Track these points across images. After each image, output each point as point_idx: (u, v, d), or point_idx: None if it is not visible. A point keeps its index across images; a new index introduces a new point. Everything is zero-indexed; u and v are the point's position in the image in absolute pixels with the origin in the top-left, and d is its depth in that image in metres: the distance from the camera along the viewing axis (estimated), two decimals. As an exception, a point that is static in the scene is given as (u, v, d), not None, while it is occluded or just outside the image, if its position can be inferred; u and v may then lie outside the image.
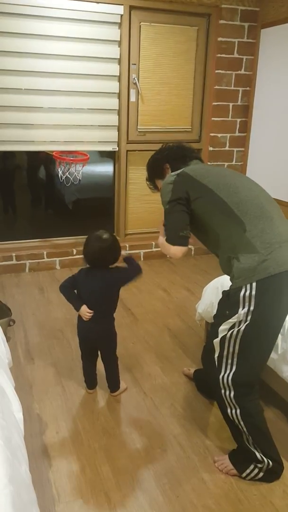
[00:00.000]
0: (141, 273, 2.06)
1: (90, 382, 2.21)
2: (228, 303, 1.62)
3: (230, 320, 1.60)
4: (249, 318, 1.56)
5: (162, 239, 1.78)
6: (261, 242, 1.55)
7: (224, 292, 1.69)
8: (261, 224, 1.57)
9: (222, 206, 1.61)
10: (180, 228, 1.67)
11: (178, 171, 1.74)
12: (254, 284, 1.54)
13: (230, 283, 1.65)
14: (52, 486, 1.68)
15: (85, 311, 2.01)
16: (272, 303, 1.56)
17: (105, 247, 1.95)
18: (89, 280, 2.01)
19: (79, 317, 2.07)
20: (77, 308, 2.03)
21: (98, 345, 2.14)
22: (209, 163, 4.07)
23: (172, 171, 1.83)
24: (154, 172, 1.94)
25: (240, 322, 1.58)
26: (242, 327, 1.57)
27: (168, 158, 1.88)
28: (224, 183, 1.66)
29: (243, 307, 1.56)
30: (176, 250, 1.69)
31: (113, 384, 2.19)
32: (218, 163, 4.11)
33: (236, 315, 1.58)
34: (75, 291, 2.07)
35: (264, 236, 1.56)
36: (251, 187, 1.69)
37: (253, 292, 1.54)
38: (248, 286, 1.54)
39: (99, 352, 2.18)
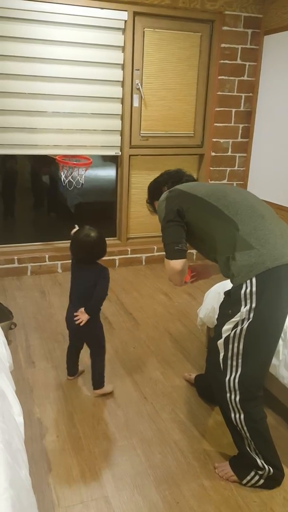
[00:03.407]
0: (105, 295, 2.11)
1: (71, 370, 2.32)
2: (230, 302, 1.64)
3: (233, 319, 1.61)
4: (251, 315, 1.57)
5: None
6: (255, 238, 1.59)
7: (225, 292, 1.72)
8: (252, 222, 1.62)
9: (213, 210, 1.68)
10: (175, 242, 1.74)
11: (171, 189, 1.85)
12: (254, 280, 1.56)
13: (231, 286, 1.67)
14: (52, 490, 1.67)
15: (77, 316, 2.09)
16: (273, 298, 1.57)
17: (91, 241, 2.03)
18: (79, 273, 2.10)
19: (68, 308, 2.16)
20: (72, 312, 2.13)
21: (83, 337, 2.20)
22: (210, 168, 4.08)
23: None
24: (153, 194, 2.02)
25: (243, 321, 1.59)
26: (245, 325, 1.58)
27: (167, 181, 1.96)
28: (212, 190, 1.75)
29: (245, 305, 1.58)
30: (175, 264, 1.74)
31: (97, 381, 2.20)
32: (221, 168, 4.12)
33: (239, 313, 1.59)
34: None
35: (258, 233, 1.60)
36: (240, 192, 1.77)
37: (254, 289, 1.56)
38: (248, 282, 1.57)
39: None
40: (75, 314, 2.08)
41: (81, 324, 2.05)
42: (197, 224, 1.74)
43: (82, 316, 2.06)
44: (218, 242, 1.68)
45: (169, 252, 1.76)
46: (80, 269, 2.10)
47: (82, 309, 2.06)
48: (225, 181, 4.17)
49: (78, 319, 2.06)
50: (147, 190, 2.07)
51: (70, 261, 2.16)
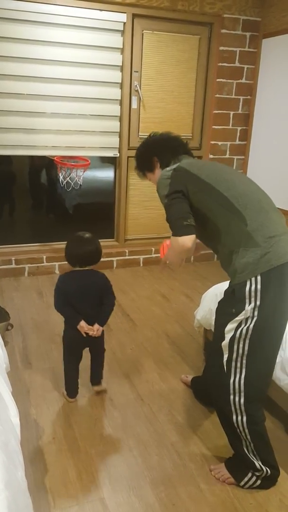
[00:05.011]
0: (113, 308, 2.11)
1: (75, 389, 2.17)
2: (234, 300, 1.59)
3: (237, 318, 1.57)
4: (255, 313, 1.54)
5: (168, 244, 1.76)
6: (261, 236, 1.55)
7: (227, 290, 1.64)
8: (260, 218, 1.58)
9: (223, 200, 1.61)
10: (184, 217, 1.61)
11: (174, 166, 1.73)
12: (258, 278, 1.53)
13: (232, 283, 1.63)
14: (48, 492, 1.67)
15: (85, 327, 2.01)
16: (277, 296, 1.55)
17: (96, 246, 2.03)
18: (82, 284, 2.02)
19: (69, 325, 2.07)
20: (76, 324, 2.01)
21: (91, 345, 2.15)
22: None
23: (161, 165, 1.84)
24: (143, 165, 1.92)
25: (247, 319, 1.56)
26: (251, 324, 1.55)
27: (156, 152, 1.85)
28: (221, 177, 1.66)
29: (250, 303, 1.55)
30: (184, 240, 1.60)
31: (98, 377, 2.23)
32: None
33: (243, 312, 1.56)
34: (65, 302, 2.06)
35: (264, 230, 1.56)
36: (246, 182, 1.71)
37: (258, 286, 1.53)
38: (253, 280, 1.54)
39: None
40: (90, 332, 2.02)
41: (85, 331, 2.02)
42: (201, 210, 1.65)
43: (98, 333, 2.04)
44: (223, 234, 1.62)
45: (177, 228, 1.62)
46: (83, 277, 2.03)
47: (98, 326, 2.03)
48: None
49: (94, 333, 2.03)
50: (135, 159, 1.95)
51: (63, 276, 2.08)
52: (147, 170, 1.91)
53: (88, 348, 2.17)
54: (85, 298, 2.01)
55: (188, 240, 1.60)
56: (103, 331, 2.10)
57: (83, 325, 2.00)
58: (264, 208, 1.61)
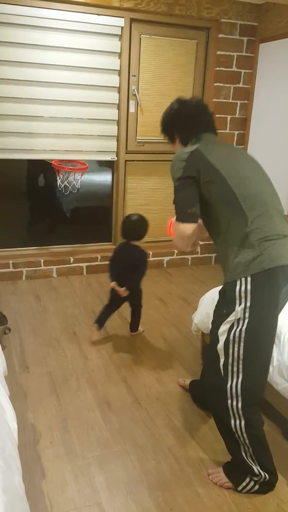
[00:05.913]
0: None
1: (101, 322, 2.76)
2: (225, 300, 1.61)
3: (228, 319, 1.58)
4: (247, 315, 1.55)
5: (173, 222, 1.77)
6: (258, 238, 1.56)
7: (221, 290, 1.67)
8: (261, 221, 1.58)
9: (230, 196, 1.60)
10: (189, 205, 1.63)
11: (192, 148, 1.69)
12: (249, 279, 1.54)
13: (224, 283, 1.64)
14: (45, 496, 1.66)
15: (112, 285, 2.61)
16: (268, 297, 1.56)
17: (135, 227, 2.62)
18: (123, 252, 2.65)
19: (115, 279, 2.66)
20: (110, 281, 2.63)
21: (128, 301, 2.74)
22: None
23: (180, 140, 1.83)
24: (166, 133, 1.92)
25: (238, 320, 1.56)
26: (243, 327, 1.56)
27: (177, 126, 1.84)
28: (236, 171, 1.64)
29: (240, 304, 1.56)
30: (185, 228, 1.64)
31: (135, 326, 2.85)
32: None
33: (234, 313, 1.57)
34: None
35: (262, 234, 1.57)
36: (259, 178, 1.68)
37: (249, 287, 1.54)
38: (243, 280, 1.55)
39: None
40: (120, 289, 2.58)
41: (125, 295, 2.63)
42: (207, 200, 1.65)
43: (123, 293, 2.60)
44: (223, 228, 1.63)
45: (181, 214, 1.65)
46: (125, 248, 2.64)
47: (124, 289, 2.58)
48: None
49: (121, 294, 2.60)
50: (161, 122, 1.93)
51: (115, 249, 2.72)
52: (169, 139, 1.90)
53: (128, 304, 2.80)
54: (121, 264, 2.63)
55: (188, 228, 1.64)
56: (140, 292, 2.77)
57: (112, 284, 2.62)
58: (269, 213, 1.61)
